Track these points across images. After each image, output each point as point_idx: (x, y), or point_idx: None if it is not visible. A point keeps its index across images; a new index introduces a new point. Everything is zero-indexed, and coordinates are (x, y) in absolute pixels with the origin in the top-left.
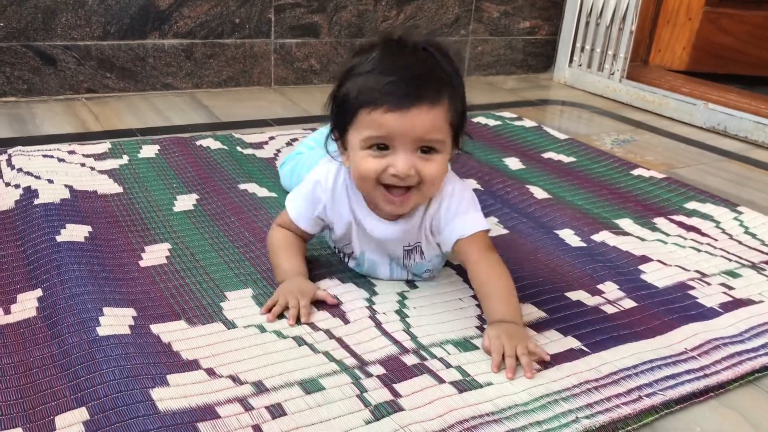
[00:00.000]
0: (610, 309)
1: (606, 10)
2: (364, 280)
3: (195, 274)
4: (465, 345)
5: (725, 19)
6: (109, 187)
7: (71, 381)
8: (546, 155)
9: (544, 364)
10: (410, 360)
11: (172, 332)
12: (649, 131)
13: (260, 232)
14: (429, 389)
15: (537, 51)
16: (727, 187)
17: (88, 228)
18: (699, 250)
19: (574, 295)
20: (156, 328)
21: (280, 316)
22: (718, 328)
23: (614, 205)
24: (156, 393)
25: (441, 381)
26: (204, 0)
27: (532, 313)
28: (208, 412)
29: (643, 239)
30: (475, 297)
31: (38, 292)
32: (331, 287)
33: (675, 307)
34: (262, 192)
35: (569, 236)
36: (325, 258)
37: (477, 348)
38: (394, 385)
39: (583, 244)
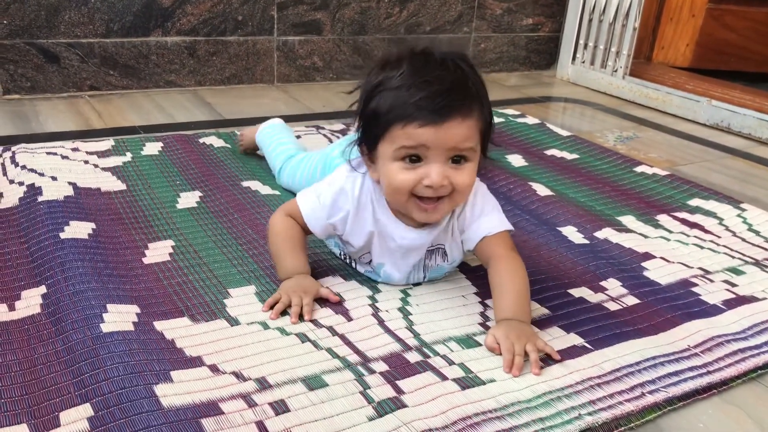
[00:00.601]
0: (612, 306)
1: (609, 6)
2: (366, 278)
3: (198, 271)
4: (468, 342)
5: (729, 15)
6: (112, 184)
7: (75, 377)
8: (549, 152)
9: (548, 362)
10: (413, 357)
11: (175, 329)
12: (652, 128)
13: (263, 230)
14: (432, 386)
15: (540, 48)
16: (731, 184)
17: (92, 225)
18: (702, 247)
19: (577, 292)
20: (159, 325)
21: (283, 313)
22: (721, 325)
23: (617, 202)
24: (160, 389)
25: (444, 378)
26: None
27: (535, 310)
28: (211, 409)
29: (646, 236)
30: (477, 294)
31: (42, 289)
32: (333, 285)
33: (678, 304)
34: (265, 189)
35: (572, 233)
36: (327, 255)
37: (480, 345)
38: (397, 382)
39: (586, 241)
